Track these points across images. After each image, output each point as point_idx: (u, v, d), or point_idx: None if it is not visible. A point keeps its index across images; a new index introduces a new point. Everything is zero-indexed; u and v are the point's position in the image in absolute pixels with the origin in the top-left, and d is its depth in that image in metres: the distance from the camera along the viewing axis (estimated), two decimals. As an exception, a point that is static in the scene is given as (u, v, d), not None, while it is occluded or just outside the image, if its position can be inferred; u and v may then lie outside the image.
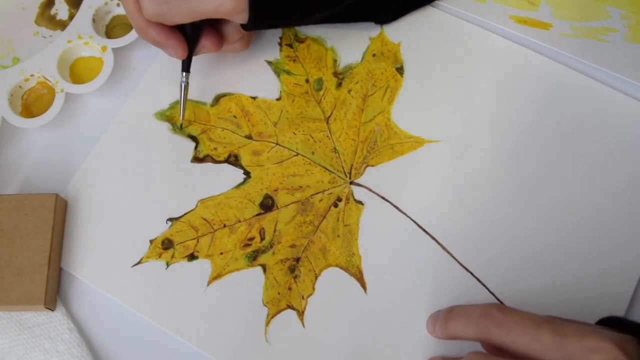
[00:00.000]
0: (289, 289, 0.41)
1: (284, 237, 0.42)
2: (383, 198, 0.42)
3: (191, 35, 0.41)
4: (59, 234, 0.42)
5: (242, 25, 0.40)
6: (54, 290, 0.41)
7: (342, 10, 0.43)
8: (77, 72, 0.46)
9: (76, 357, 0.40)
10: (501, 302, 0.40)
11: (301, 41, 0.46)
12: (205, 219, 0.42)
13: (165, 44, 0.40)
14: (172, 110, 0.45)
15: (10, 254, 0.40)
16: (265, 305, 0.40)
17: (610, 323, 0.34)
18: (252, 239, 0.42)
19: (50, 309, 0.40)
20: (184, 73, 0.42)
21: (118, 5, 0.48)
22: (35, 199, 0.41)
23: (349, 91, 0.45)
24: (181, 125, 0.44)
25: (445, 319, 0.36)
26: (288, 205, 0.42)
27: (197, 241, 0.42)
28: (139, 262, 0.42)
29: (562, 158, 0.43)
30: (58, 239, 0.41)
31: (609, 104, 0.44)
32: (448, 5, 0.47)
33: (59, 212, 0.42)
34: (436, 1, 0.47)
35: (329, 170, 0.43)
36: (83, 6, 0.47)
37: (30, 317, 0.41)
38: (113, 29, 0.48)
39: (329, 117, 0.44)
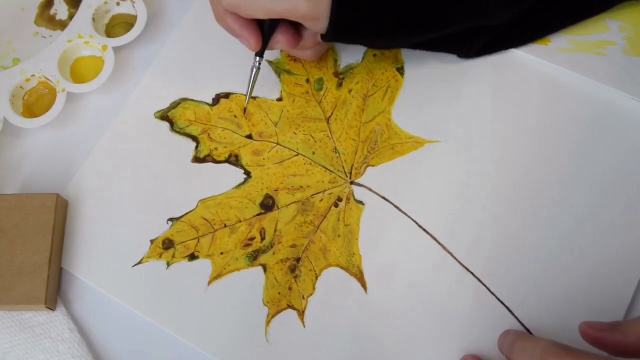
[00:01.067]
0: (290, 288, 0.41)
1: (284, 237, 0.42)
2: (383, 198, 0.43)
3: (268, 30, 0.40)
4: (60, 234, 0.42)
5: (321, 35, 0.40)
6: (55, 290, 0.41)
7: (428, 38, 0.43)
8: (77, 71, 0.47)
9: (76, 356, 0.40)
10: (502, 302, 0.40)
11: (302, 41, 0.47)
12: (205, 219, 0.43)
13: (239, 33, 0.40)
14: (172, 109, 0.46)
15: (11, 253, 0.40)
16: (266, 305, 0.41)
17: None
18: (252, 238, 0.42)
19: (50, 309, 0.40)
20: (257, 57, 0.42)
21: (118, 4, 0.48)
22: (36, 199, 0.41)
23: (350, 91, 0.45)
24: (245, 109, 0.44)
25: (509, 349, 0.36)
26: (288, 205, 0.43)
27: (198, 241, 0.42)
28: (139, 262, 0.42)
29: (562, 159, 0.43)
30: (59, 238, 0.42)
31: (610, 106, 0.44)
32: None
33: (60, 212, 0.42)
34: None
35: (329, 170, 0.44)
36: (82, 5, 0.47)
37: (30, 317, 0.41)
38: (113, 27, 0.49)
39: (330, 117, 0.45)
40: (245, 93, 0.44)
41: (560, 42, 0.46)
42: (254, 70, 0.42)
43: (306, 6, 0.37)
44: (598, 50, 0.45)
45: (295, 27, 0.41)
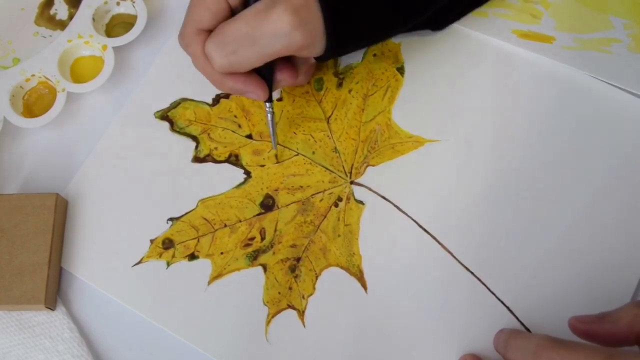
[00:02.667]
0: (290, 288, 0.41)
1: (284, 237, 0.42)
2: (383, 198, 0.43)
3: (267, 73, 0.41)
4: (60, 234, 0.42)
5: (317, 57, 0.40)
6: (54, 290, 0.41)
7: (407, 26, 0.43)
8: (77, 71, 0.47)
9: (76, 356, 0.40)
10: (501, 302, 0.40)
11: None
12: (205, 219, 0.43)
13: (245, 90, 0.40)
14: (172, 109, 0.46)
15: (11, 253, 0.41)
16: (266, 305, 0.41)
17: None
18: (252, 238, 0.42)
19: (50, 309, 0.41)
20: (268, 103, 0.42)
21: (118, 4, 0.49)
22: (36, 199, 0.42)
23: (350, 91, 0.46)
24: (276, 155, 0.44)
25: (504, 349, 0.36)
26: (288, 205, 0.43)
27: (198, 241, 0.43)
28: (139, 262, 0.42)
29: (563, 159, 0.43)
30: (58, 238, 0.42)
31: (611, 104, 0.44)
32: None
33: (60, 212, 0.42)
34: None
35: (329, 169, 0.44)
36: (82, 5, 0.47)
37: (30, 317, 0.41)
38: (113, 27, 0.49)
39: (330, 116, 0.45)
40: (271, 138, 0.44)
41: (565, 40, 0.46)
42: (270, 115, 0.42)
43: (302, 37, 0.37)
44: (603, 48, 0.45)
45: (288, 60, 0.41)
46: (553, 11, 0.47)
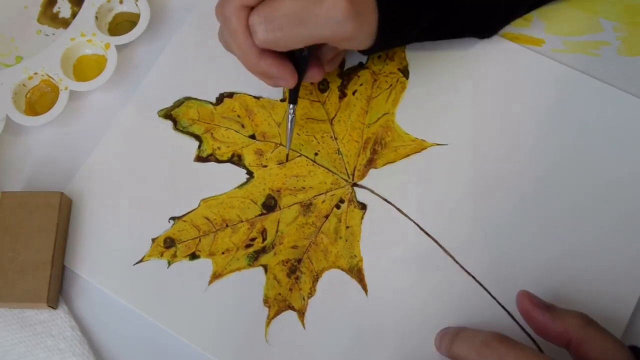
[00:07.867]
0: (290, 289, 0.43)
1: (285, 238, 0.44)
2: (386, 200, 0.45)
3: (300, 64, 0.41)
4: (63, 232, 0.44)
5: (363, 50, 0.42)
6: (57, 289, 0.43)
7: (453, 29, 0.45)
8: (80, 69, 0.49)
9: (77, 355, 0.42)
10: (503, 307, 0.42)
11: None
12: (207, 219, 0.45)
13: (277, 75, 0.41)
14: (176, 108, 0.48)
15: (14, 251, 0.42)
16: (266, 306, 0.43)
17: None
18: (253, 239, 0.44)
19: (52, 307, 0.42)
20: (292, 105, 0.43)
21: (121, 2, 0.50)
22: (41, 197, 0.43)
23: (354, 93, 0.47)
24: (287, 155, 0.46)
25: (451, 341, 0.37)
26: (290, 206, 0.45)
27: (199, 240, 0.44)
28: (140, 261, 0.44)
29: (567, 162, 0.45)
30: (62, 237, 0.43)
31: (616, 107, 0.46)
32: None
33: (64, 210, 0.44)
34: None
35: (331, 171, 0.46)
36: (86, 4, 0.49)
37: (32, 315, 0.43)
38: (116, 26, 0.51)
39: (333, 118, 0.47)
40: (286, 142, 0.45)
41: (554, 42, 0.47)
42: (291, 116, 0.44)
43: (352, 28, 0.37)
44: (592, 51, 0.46)
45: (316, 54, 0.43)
46: (543, 13, 0.48)
